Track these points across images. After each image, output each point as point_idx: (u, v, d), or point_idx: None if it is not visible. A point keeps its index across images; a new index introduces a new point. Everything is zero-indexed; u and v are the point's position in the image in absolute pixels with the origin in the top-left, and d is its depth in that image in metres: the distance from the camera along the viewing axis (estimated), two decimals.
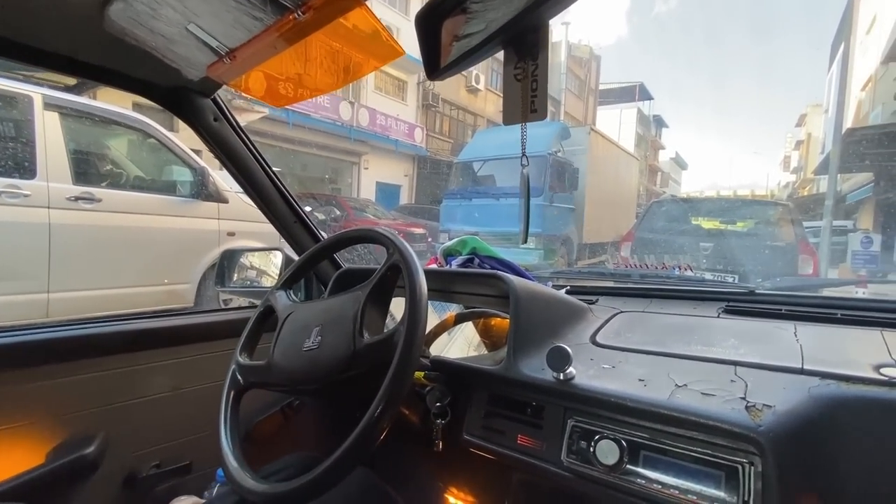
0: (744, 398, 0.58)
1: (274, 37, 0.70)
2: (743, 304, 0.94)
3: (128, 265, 3.34)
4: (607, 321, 0.91)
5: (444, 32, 0.59)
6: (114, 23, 0.72)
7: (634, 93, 30.38)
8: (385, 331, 0.72)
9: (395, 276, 0.74)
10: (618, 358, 0.75)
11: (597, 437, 0.65)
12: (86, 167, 3.55)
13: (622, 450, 0.62)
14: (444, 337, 1.13)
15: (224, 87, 0.95)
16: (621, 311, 0.97)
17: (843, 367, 0.62)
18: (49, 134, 2.98)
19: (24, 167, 2.87)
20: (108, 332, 0.97)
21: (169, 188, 3.75)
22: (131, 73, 0.89)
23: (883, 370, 0.60)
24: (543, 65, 0.52)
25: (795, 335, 0.76)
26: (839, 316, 0.82)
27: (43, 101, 2.96)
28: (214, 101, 1.00)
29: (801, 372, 0.63)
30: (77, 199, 3.06)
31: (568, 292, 1.09)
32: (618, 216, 10.67)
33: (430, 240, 8.77)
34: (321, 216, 8.60)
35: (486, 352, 1.09)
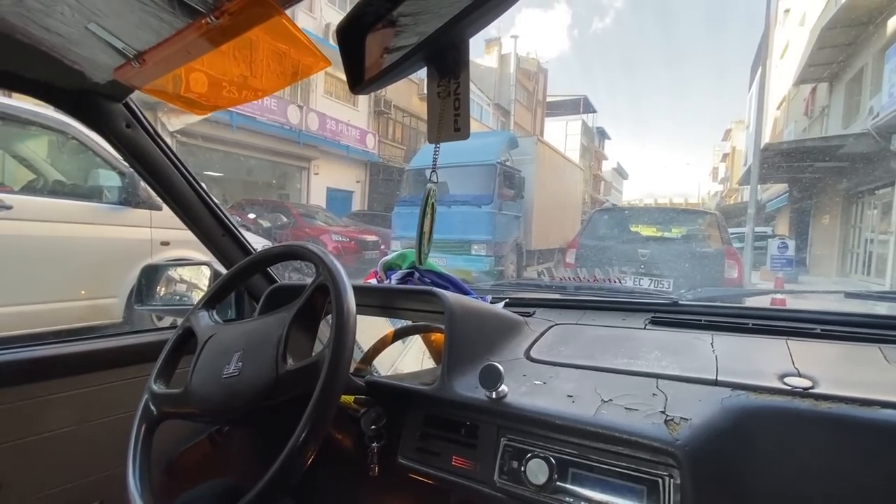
0: (664, 412, 0.60)
1: (186, 41, 0.66)
2: (667, 315, 0.99)
3: (45, 279, 3.03)
4: (542, 335, 0.92)
5: (367, 46, 0.57)
6: (2, 19, 0.64)
7: (579, 105, 31.82)
8: (312, 355, 0.69)
9: (323, 296, 0.71)
10: (549, 373, 0.76)
11: (528, 455, 0.65)
12: None
13: (551, 468, 0.62)
14: (397, 348, 1.11)
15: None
16: (556, 324, 0.98)
17: (751, 377, 0.66)
18: None
19: None
20: (1, 361, 0.86)
21: (94, 194, 3.44)
22: (25, 74, 0.79)
23: (787, 379, 0.64)
24: (465, 84, 0.51)
25: (712, 346, 0.80)
26: (750, 325, 0.88)
27: None
28: (127, 105, 0.92)
29: (716, 383, 0.66)
30: None
31: (506, 305, 1.10)
32: (564, 223, 10.96)
33: (383, 247, 8.62)
34: (267, 223, 8.26)
35: (434, 365, 1.08)
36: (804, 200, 13.79)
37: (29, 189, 3.31)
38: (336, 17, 12.47)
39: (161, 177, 1.00)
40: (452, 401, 0.73)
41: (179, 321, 1.37)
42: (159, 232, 3.59)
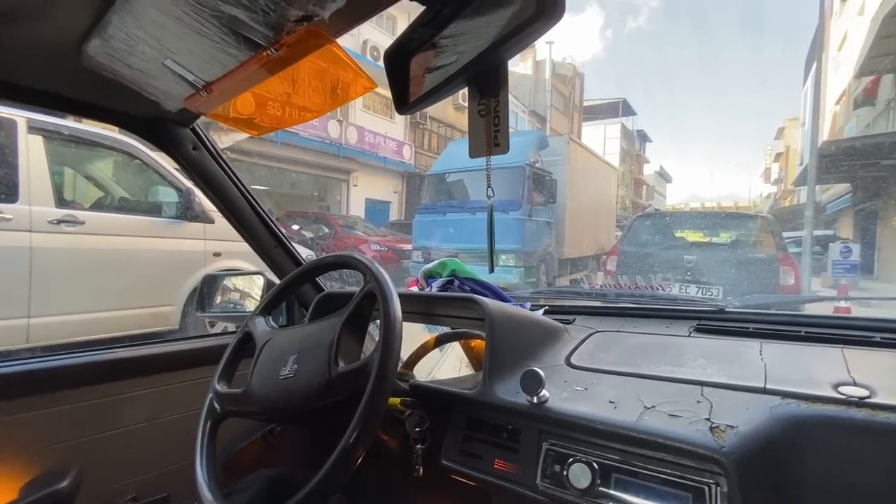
0: (708, 419, 0.60)
1: (249, 71, 0.72)
2: (713, 323, 0.96)
3: (111, 288, 3.29)
4: (582, 342, 0.93)
5: (412, 69, 0.61)
6: (91, 58, 0.73)
7: (618, 109, 31.11)
8: (361, 358, 0.73)
9: (371, 303, 0.75)
10: (590, 380, 0.76)
11: (570, 460, 0.66)
12: (69, 190, 3.52)
13: (594, 472, 0.63)
14: (435, 356, 1.14)
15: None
16: (596, 331, 0.98)
17: (803, 385, 0.64)
18: (32, 157, 2.96)
19: (6, 191, 2.84)
20: (84, 362, 0.96)
21: (154, 209, 3.72)
22: (110, 106, 0.90)
23: (841, 389, 0.62)
24: (504, 101, 0.54)
25: (761, 353, 0.78)
26: (803, 333, 0.84)
27: (27, 125, 2.95)
28: (193, 130, 1.01)
29: (764, 391, 0.65)
30: (59, 221, 3.02)
31: (546, 312, 1.11)
32: (599, 229, 10.30)
33: (405, 261, 8.23)
34: (309, 234, 8.57)
35: (472, 372, 1.10)
36: (870, 201, 12.78)
37: (97, 206, 3.62)
38: (373, 34, 12.88)
39: (222, 193, 1.09)
40: (494, 405, 0.75)
41: (231, 327, 1.47)
42: (212, 243, 3.82)
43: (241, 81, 0.76)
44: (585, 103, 29.30)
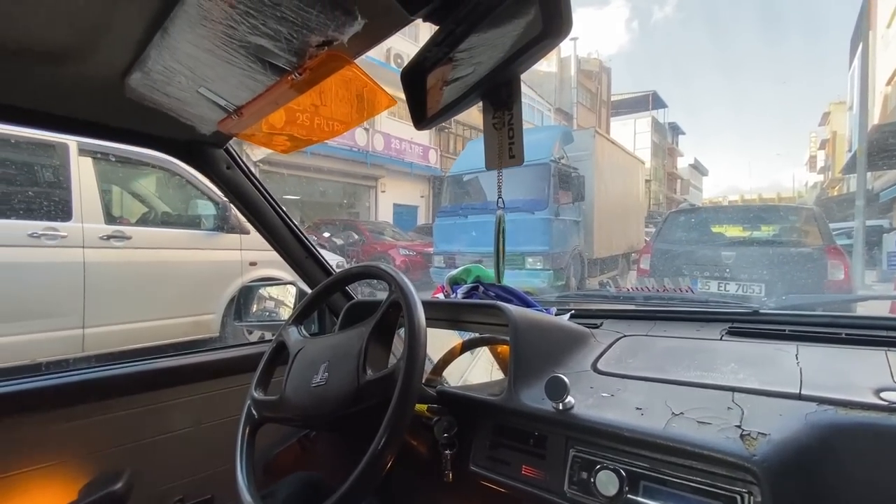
0: (739, 426, 0.58)
1: (275, 94, 0.76)
2: (746, 325, 0.93)
3: (157, 298, 3.48)
4: (609, 346, 0.92)
5: (428, 86, 0.63)
6: (133, 90, 0.79)
7: (648, 102, 30.26)
8: (388, 366, 0.75)
9: (396, 312, 0.77)
10: (617, 385, 0.76)
11: (597, 467, 0.66)
12: (116, 207, 3.75)
13: (622, 480, 0.62)
14: (466, 359, 1.15)
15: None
16: (624, 336, 0.97)
17: (841, 391, 0.61)
18: (83, 178, 3.17)
19: (61, 210, 3.05)
20: (134, 371, 1.02)
21: (194, 222, 3.92)
22: (150, 132, 0.96)
23: (883, 394, 0.59)
24: (518, 114, 0.55)
25: (797, 357, 0.75)
26: (843, 336, 0.81)
27: (78, 148, 3.16)
28: (227, 150, 1.07)
29: (799, 397, 0.62)
30: (109, 237, 3.22)
31: (572, 316, 1.10)
32: (628, 226, 9.67)
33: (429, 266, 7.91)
34: (339, 241, 8.75)
35: (503, 376, 1.10)
36: None
37: (142, 221, 3.84)
38: (396, 42, 13.06)
39: (254, 209, 1.15)
40: (520, 411, 0.75)
41: (268, 335, 1.53)
42: (248, 253, 3.97)
43: (269, 104, 0.80)
44: (613, 98, 28.66)
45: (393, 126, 14.10)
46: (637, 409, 0.67)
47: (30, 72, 0.72)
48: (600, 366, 0.84)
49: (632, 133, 27.98)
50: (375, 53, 12.93)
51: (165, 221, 3.92)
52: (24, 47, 0.65)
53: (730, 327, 0.94)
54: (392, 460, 0.65)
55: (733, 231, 5.33)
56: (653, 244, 5.42)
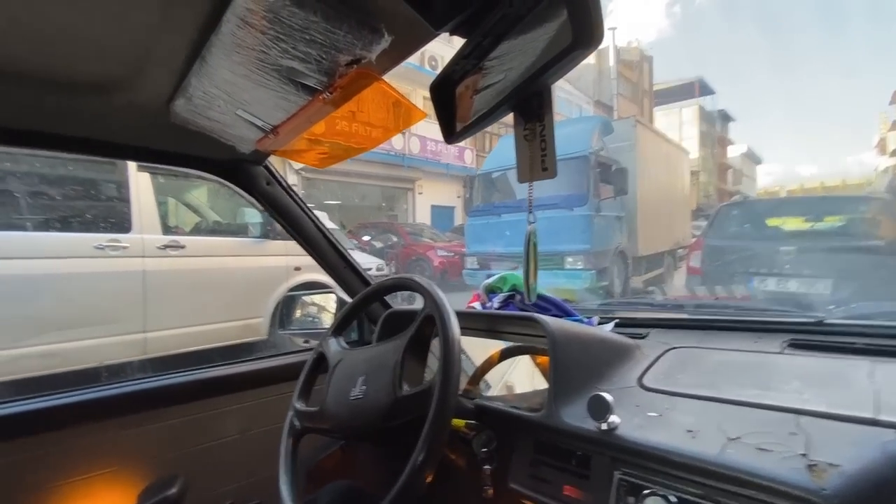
0: (805, 455, 0.53)
1: (309, 113, 0.77)
2: (811, 337, 0.85)
3: (210, 304, 3.67)
4: (657, 360, 0.87)
5: (457, 100, 0.62)
6: (178, 115, 0.83)
7: (694, 89, 28.80)
8: (424, 381, 0.75)
9: (431, 325, 0.77)
10: (665, 404, 0.71)
11: (645, 491, 0.62)
12: (172, 217, 3.99)
13: None
14: (504, 366, 1.13)
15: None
16: (673, 348, 0.91)
17: None
18: (142, 192, 3.39)
19: (123, 223, 3.28)
20: (184, 381, 1.08)
21: (242, 230, 4.11)
22: (194, 154, 1.01)
23: None
24: (549, 125, 0.53)
25: (871, 375, 0.68)
26: None
27: (136, 164, 3.39)
28: (266, 167, 1.10)
29: (874, 423, 0.56)
30: (166, 247, 3.43)
31: (617, 325, 1.05)
32: (673, 221, 8.96)
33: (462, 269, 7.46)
34: (379, 244, 8.90)
35: (545, 385, 1.08)
36: None
37: (195, 230, 4.07)
38: (430, 45, 13.15)
39: (294, 222, 1.18)
40: (561, 430, 0.73)
41: (312, 342, 1.57)
42: (292, 259, 4.12)
43: (303, 121, 0.81)
44: (656, 87, 27.52)
45: (429, 128, 14.19)
46: (688, 431, 0.63)
47: (81, 103, 0.77)
48: (647, 381, 0.79)
49: (677, 123, 26.69)
50: (411, 58, 13.08)
51: (216, 230, 4.14)
52: (75, 80, 0.70)
53: (791, 339, 0.86)
54: (432, 477, 0.65)
55: (793, 223, 4.95)
56: (704, 240, 5.13)
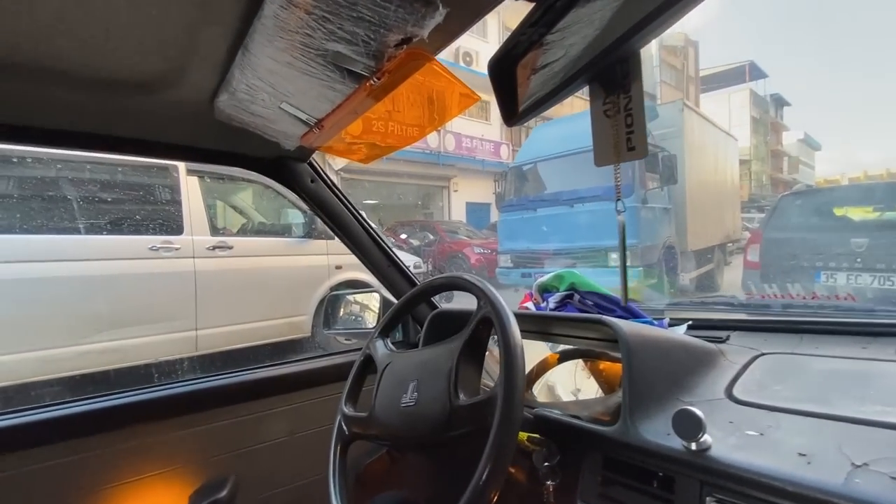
0: None
1: (355, 103, 0.73)
2: None
3: (256, 302, 3.77)
4: (745, 367, 0.76)
5: (519, 77, 0.55)
6: (222, 111, 0.81)
7: (744, 73, 27.13)
8: (482, 389, 0.69)
9: (487, 328, 0.71)
10: (766, 421, 0.61)
11: None
12: (220, 219, 4.13)
13: None
14: (558, 374, 1.06)
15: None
16: (762, 353, 0.80)
17: None
18: (191, 195, 3.52)
19: (174, 225, 3.42)
20: (234, 382, 1.07)
21: (285, 230, 4.21)
22: (239, 151, 0.99)
23: None
24: (637, 97, 0.45)
25: None
26: None
27: (186, 169, 3.52)
28: (310, 164, 1.07)
29: None
30: (214, 247, 3.55)
31: (690, 327, 0.95)
32: (723, 213, 8.28)
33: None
34: (416, 242, 8.93)
35: (602, 393, 0.99)
36: None
37: (242, 231, 4.20)
38: (464, 39, 13.06)
39: (338, 220, 1.15)
40: (639, 448, 0.64)
41: (355, 341, 1.55)
42: (334, 258, 4.18)
43: (349, 114, 0.77)
44: (703, 72, 26.15)
45: (463, 124, 14.12)
46: (801, 455, 0.53)
47: (128, 103, 0.76)
48: (737, 393, 0.69)
49: (726, 110, 25.18)
50: (444, 54, 13.04)
51: (261, 231, 4.25)
52: (119, 79, 0.68)
53: None
54: (496, 496, 0.59)
55: (862, 213, 4.53)
56: (762, 232, 4.78)
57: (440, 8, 0.52)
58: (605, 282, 1.00)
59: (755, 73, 27.89)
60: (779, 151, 31.40)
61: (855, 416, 0.58)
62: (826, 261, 4.10)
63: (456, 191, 14.28)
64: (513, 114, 0.57)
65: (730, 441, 0.58)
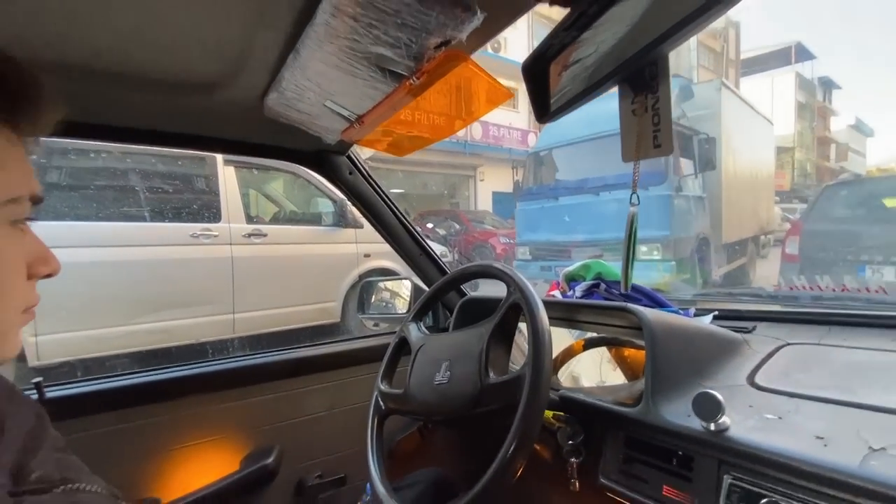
0: None
1: (394, 100, 0.77)
2: None
3: (289, 288, 3.93)
4: (769, 356, 0.78)
5: (551, 77, 0.58)
6: (271, 109, 0.87)
7: (790, 55, 25.64)
8: (510, 369, 0.73)
9: (516, 313, 0.75)
10: (785, 406, 0.64)
11: (763, 500, 0.56)
12: (254, 208, 4.29)
13: None
14: (583, 360, 1.10)
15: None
16: (787, 344, 0.82)
17: None
18: (228, 184, 3.68)
19: (213, 213, 3.58)
20: (278, 360, 1.15)
21: (316, 219, 4.33)
22: (284, 145, 1.06)
23: None
24: (665, 96, 0.48)
25: None
26: None
27: (223, 159, 3.67)
28: (349, 157, 1.13)
29: None
30: (249, 235, 3.71)
31: (716, 317, 0.97)
32: (758, 203, 7.70)
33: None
34: (442, 231, 8.99)
35: (620, 375, 1.03)
36: None
37: (275, 219, 4.35)
38: None
39: (374, 209, 1.21)
40: (661, 428, 0.68)
41: (384, 326, 1.62)
42: (362, 246, 4.28)
43: (388, 110, 0.82)
44: (745, 55, 24.87)
45: (491, 113, 13.95)
46: (818, 437, 0.56)
47: (187, 102, 0.83)
48: (759, 380, 0.71)
49: (768, 94, 23.88)
50: None
51: (293, 219, 4.40)
52: (182, 80, 0.75)
53: None
54: (522, 468, 0.64)
55: None
56: (803, 224, 4.59)
57: (478, 13, 0.56)
58: (637, 276, 1.00)
59: (802, 54, 26.32)
60: (826, 138, 29.66)
61: (876, 403, 0.60)
62: (872, 254, 3.92)
63: (482, 180, 14.22)
64: (545, 111, 0.60)
65: (748, 423, 0.61)
